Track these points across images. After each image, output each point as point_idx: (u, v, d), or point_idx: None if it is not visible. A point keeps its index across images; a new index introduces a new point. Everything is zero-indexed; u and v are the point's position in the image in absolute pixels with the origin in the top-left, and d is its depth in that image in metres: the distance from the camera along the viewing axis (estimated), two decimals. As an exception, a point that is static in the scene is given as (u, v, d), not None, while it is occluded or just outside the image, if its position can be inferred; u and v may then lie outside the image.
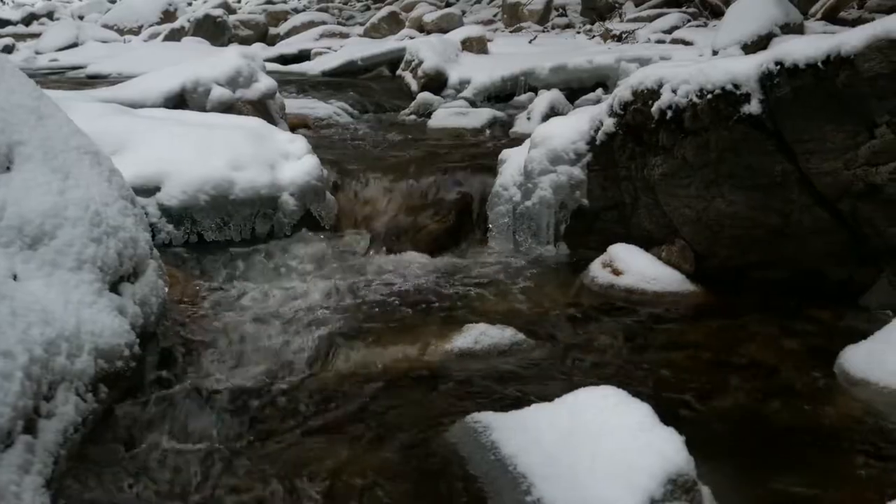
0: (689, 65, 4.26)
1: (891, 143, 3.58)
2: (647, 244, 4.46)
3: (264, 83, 6.97)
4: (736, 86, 3.93)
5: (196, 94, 6.76)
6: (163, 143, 5.16)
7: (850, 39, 3.56)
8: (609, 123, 4.55)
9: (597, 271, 4.31)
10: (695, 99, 4.06)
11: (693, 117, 4.09)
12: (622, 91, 4.46)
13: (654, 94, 4.28)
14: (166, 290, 3.92)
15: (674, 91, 4.16)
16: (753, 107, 3.89)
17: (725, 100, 3.97)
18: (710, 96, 4.01)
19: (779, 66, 3.79)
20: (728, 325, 3.81)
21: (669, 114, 4.19)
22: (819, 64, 3.67)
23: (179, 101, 6.81)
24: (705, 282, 4.23)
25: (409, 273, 4.53)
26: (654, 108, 4.26)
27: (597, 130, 4.63)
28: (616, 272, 4.23)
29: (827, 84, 3.68)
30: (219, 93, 6.74)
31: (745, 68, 3.90)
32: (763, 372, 3.31)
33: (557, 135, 4.78)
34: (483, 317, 3.84)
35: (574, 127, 4.77)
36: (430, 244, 4.97)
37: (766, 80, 3.85)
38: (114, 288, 3.21)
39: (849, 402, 2.99)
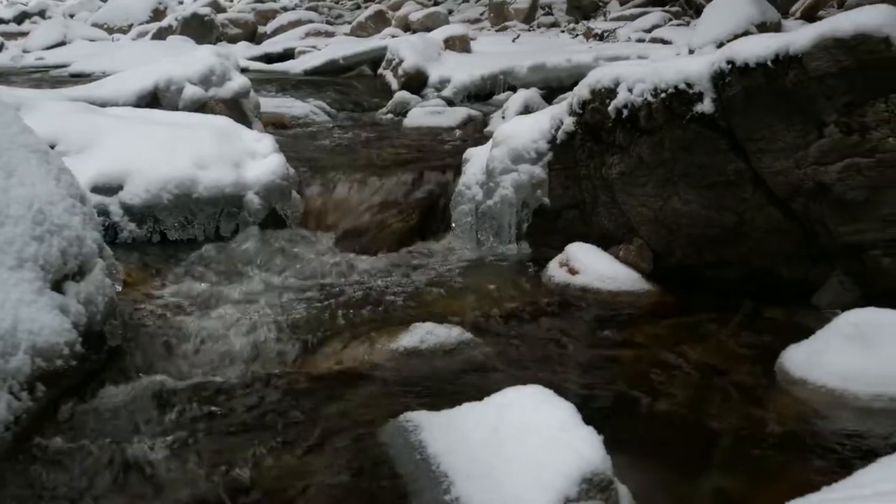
0: (645, 63, 4.25)
1: (839, 142, 3.58)
2: (607, 243, 4.46)
3: (237, 82, 6.98)
4: (689, 85, 3.93)
5: (169, 93, 6.78)
6: (128, 141, 5.17)
7: (799, 39, 3.56)
8: (569, 122, 4.55)
9: (554, 270, 4.32)
10: (649, 98, 4.07)
11: (648, 116, 4.09)
12: (581, 90, 4.46)
13: (611, 92, 4.28)
14: (119, 288, 3.92)
15: (629, 90, 4.16)
16: (706, 106, 3.89)
17: (679, 99, 3.97)
18: (663, 95, 4.01)
19: (730, 66, 3.80)
20: (679, 324, 3.81)
21: (625, 113, 4.20)
22: (769, 63, 3.67)
23: (152, 99, 6.83)
24: (662, 281, 4.23)
25: (368, 272, 4.52)
26: (610, 108, 4.26)
27: (557, 129, 4.63)
28: (572, 271, 4.23)
29: (777, 83, 3.68)
30: (191, 91, 6.75)
31: (697, 67, 3.90)
32: (707, 371, 3.31)
33: (519, 134, 4.78)
34: (437, 316, 3.84)
35: (535, 126, 4.77)
36: (393, 243, 4.98)
37: (718, 79, 3.85)
38: (57, 286, 3.21)
39: (786, 401, 2.99)
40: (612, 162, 4.34)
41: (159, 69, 6.87)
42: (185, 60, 6.99)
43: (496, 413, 2.46)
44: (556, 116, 4.68)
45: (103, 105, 6.41)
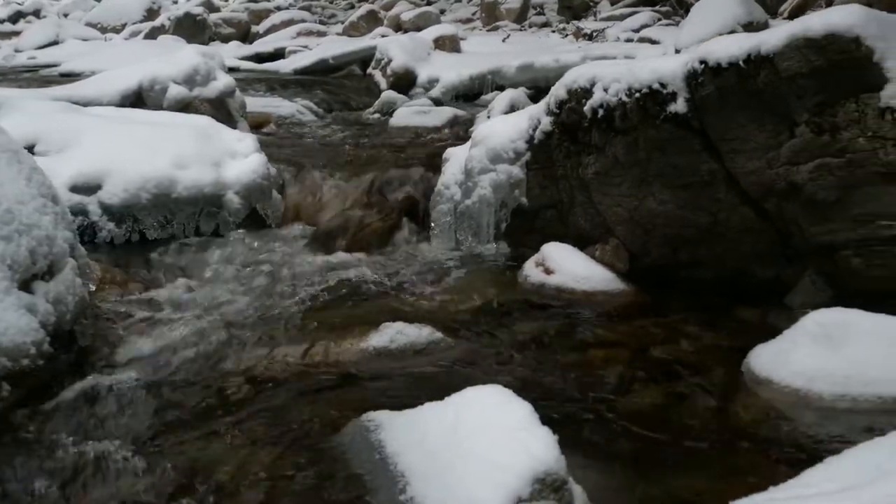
0: (621, 63, 4.25)
1: (810, 142, 3.57)
2: (584, 243, 4.46)
3: (222, 81, 6.98)
4: (663, 85, 3.93)
5: (153, 93, 6.79)
6: (107, 141, 5.17)
7: (770, 38, 3.56)
8: (546, 122, 4.55)
9: (530, 270, 4.31)
10: (624, 98, 4.06)
11: (623, 116, 4.09)
12: (558, 90, 4.46)
13: (587, 92, 4.28)
14: (92, 287, 3.93)
15: (605, 90, 4.16)
16: (679, 106, 3.89)
17: (653, 99, 3.97)
18: (637, 95, 4.01)
19: (703, 65, 3.79)
20: (653, 324, 3.80)
21: (601, 112, 4.19)
22: (741, 63, 3.66)
23: (137, 99, 6.83)
24: (638, 281, 4.23)
25: (345, 272, 4.52)
26: (586, 107, 4.26)
27: (535, 129, 4.63)
28: (548, 271, 4.23)
29: (749, 83, 3.67)
30: (175, 91, 6.76)
31: (671, 67, 3.90)
32: (676, 371, 3.30)
33: (497, 133, 4.78)
34: (411, 315, 3.84)
35: (514, 126, 4.77)
36: (372, 242, 4.98)
37: (692, 78, 3.85)
38: (25, 286, 3.20)
39: (752, 401, 2.99)
40: (588, 162, 4.34)
41: (144, 69, 6.88)
42: (170, 60, 6.99)
43: (455, 413, 2.46)
44: (534, 116, 4.67)
45: (87, 104, 6.42)
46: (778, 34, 3.56)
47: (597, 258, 4.32)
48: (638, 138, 4.07)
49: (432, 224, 5.01)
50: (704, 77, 3.79)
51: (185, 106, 6.75)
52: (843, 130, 3.49)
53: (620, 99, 4.08)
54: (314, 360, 3.40)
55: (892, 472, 1.73)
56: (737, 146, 3.80)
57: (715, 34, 7.59)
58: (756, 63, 3.62)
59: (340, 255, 4.79)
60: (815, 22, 3.46)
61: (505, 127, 4.81)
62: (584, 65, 4.49)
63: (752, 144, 3.75)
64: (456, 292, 4.22)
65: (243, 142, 5.53)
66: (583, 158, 4.37)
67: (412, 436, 2.47)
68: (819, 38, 3.44)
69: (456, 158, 5.03)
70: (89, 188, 4.91)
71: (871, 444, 1.95)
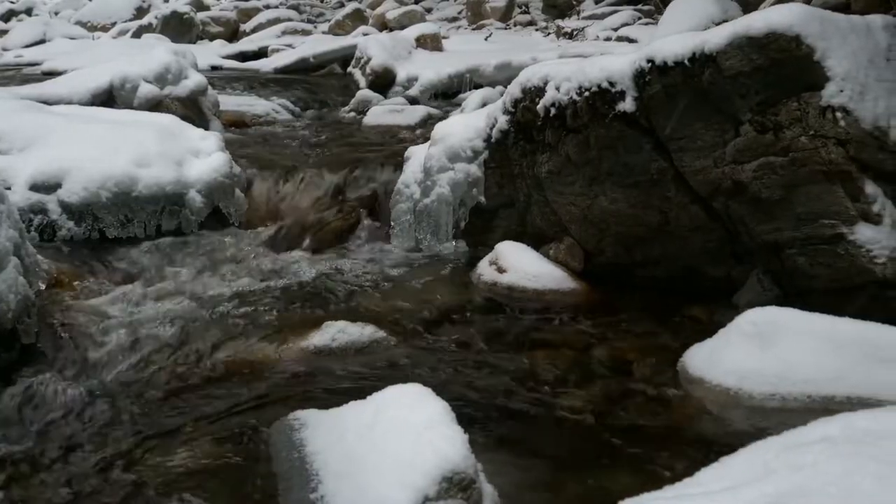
0: (573, 62, 4.25)
1: (754, 140, 3.57)
2: (541, 242, 4.46)
3: (194, 80, 6.97)
4: (611, 83, 3.92)
5: (124, 91, 6.78)
6: (70, 139, 5.16)
7: (714, 37, 3.55)
8: (503, 121, 4.54)
9: (483, 269, 4.32)
10: (575, 96, 4.06)
11: (574, 115, 4.09)
12: (513, 88, 4.45)
13: (540, 91, 4.28)
14: (41, 286, 3.95)
15: (557, 88, 4.15)
16: (628, 104, 3.88)
17: (602, 97, 3.97)
18: (587, 94, 4.01)
19: (650, 64, 3.78)
20: (600, 322, 3.80)
21: (553, 111, 4.19)
22: (686, 62, 3.65)
23: (108, 97, 6.82)
24: (592, 280, 4.23)
25: (301, 270, 4.52)
26: (539, 106, 4.26)
27: (492, 128, 4.63)
28: (500, 270, 4.23)
29: (694, 82, 3.66)
30: (146, 90, 6.75)
31: (619, 66, 3.90)
32: (614, 370, 3.30)
33: (456, 132, 4.78)
34: (360, 315, 3.84)
35: (472, 124, 4.77)
36: (332, 241, 4.98)
37: (640, 77, 3.84)
38: (-37, 285, 3.21)
39: (683, 400, 2.99)
40: (542, 160, 4.34)
41: (115, 68, 6.86)
42: (141, 59, 6.98)
43: (374, 411, 2.46)
44: (491, 115, 4.67)
45: (58, 103, 6.42)
46: (721, 33, 3.55)
47: (551, 257, 4.32)
48: (589, 137, 4.07)
49: (392, 223, 5.01)
50: (651, 76, 3.79)
51: (156, 104, 6.74)
52: (785, 129, 3.49)
53: (571, 98, 4.08)
54: (255, 358, 3.40)
55: (776, 471, 1.74)
56: (684, 145, 3.79)
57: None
58: (700, 62, 3.61)
59: (299, 254, 4.80)
60: (757, 20, 3.46)
61: (463, 126, 4.81)
62: (538, 63, 4.48)
63: (699, 143, 3.75)
64: (408, 291, 4.22)
65: (207, 140, 5.52)
66: (537, 157, 4.37)
67: (332, 434, 2.48)
68: (760, 37, 3.43)
69: (416, 157, 5.03)
70: (49, 186, 4.90)
71: (762, 443, 1.96)
